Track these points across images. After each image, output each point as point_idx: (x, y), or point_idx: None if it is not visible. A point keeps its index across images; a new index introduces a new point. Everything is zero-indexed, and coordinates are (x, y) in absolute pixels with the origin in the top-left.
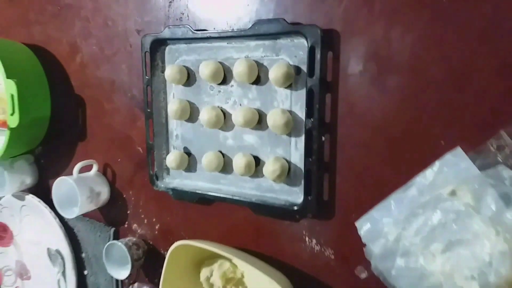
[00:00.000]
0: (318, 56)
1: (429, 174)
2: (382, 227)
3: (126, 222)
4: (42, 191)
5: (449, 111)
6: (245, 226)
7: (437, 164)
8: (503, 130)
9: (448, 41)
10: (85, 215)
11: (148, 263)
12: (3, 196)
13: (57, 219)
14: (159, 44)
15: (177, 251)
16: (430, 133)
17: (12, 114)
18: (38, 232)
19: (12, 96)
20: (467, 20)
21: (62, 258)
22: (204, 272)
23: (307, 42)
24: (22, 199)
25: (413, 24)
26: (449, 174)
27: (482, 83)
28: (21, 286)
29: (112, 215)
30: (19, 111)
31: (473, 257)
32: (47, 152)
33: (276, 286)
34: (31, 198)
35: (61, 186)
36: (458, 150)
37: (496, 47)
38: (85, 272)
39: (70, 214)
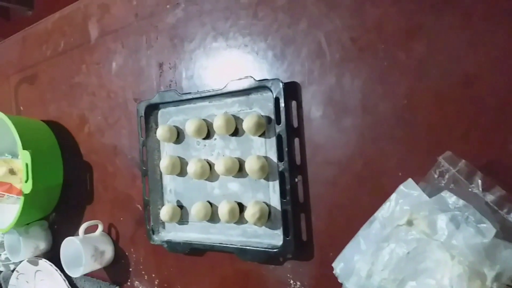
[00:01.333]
0: (282, 105)
1: (387, 206)
2: (354, 265)
3: (129, 280)
4: (55, 255)
5: (401, 144)
6: (234, 273)
7: (393, 197)
8: (440, 157)
9: (391, 80)
10: (91, 275)
11: None
12: (19, 262)
13: (67, 281)
14: (152, 109)
15: None
16: (388, 166)
17: (26, 181)
18: None
19: (26, 165)
20: (403, 60)
21: None
22: None
23: (272, 94)
24: (36, 264)
25: (359, 70)
26: (404, 205)
27: (423, 114)
28: None
29: (116, 273)
30: (33, 179)
31: (437, 284)
32: (60, 217)
33: None
34: (44, 263)
35: (68, 246)
36: (409, 181)
37: (431, 80)
38: None
39: (75, 273)
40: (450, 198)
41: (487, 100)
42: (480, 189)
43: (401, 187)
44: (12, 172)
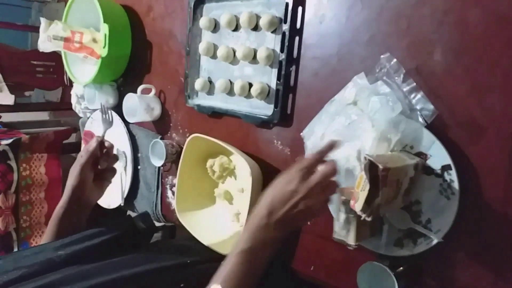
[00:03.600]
0: (290, 8)
1: (343, 91)
2: (315, 129)
3: (169, 132)
4: (119, 109)
5: (364, 47)
6: (239, 131)
7: (349, 84)
8: (382, 55)
9: None
10: (143, 125)
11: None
12: (93, 111)
13: (125, 128)
14: (199, 2)
15: (192, 142)
16: (354, 62)
17: (104, 47)
18: (112, 137)
19: (105, 35)
20: None
21: (125, 157)
22: (209, 162)
23: None
24: (106, 113)
25: None
26: (353, 90)
27: (381, 26)
28: None
29: (161, 126)
30: (109, 46)
31: (361, 145)
32: (125, 82)
33: (251, 173)
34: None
35: (128, 100)
36: (361, 74)
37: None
38: (139, 167)
39: (131, 119)
40: (381, 86)
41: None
42: (401, 81)
43: (355, 77)
44: (94, 40)
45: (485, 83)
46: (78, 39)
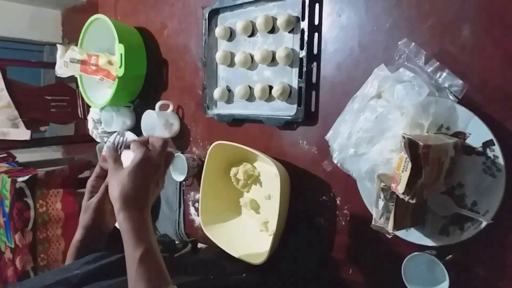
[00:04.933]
0: (307, 5)
1: (364, 86)
2: (339, 130)
3: (189, 147)
4: (137, 131)
5: (386, 35)
6: (261, 135)
7: (370, 78)
8: (399, 42)
9: None
10: None
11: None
12: (111, 134)
13: None
14: (214, 13)
15: (215, 150)
16: (377, 53)
17: (120, 67)
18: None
19: (121, 54)
20: None
21: None
22: (233, 170)
23: None
24: (123, 135)
25: None
26: (375, 83)
27: (402, 15)
28: None
29: (180, 142)
30: (125, 66)
31: (393, 136)
32: (141, 103)
33: (279, 175)
34: (129, 133)
35: (147, 117)
36: (381, 66)
37: None
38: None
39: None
40: (404, 72)
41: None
42: (423, 63)
43: (375, 70)
44: (110, 63)
45: None
46: (94, 61)
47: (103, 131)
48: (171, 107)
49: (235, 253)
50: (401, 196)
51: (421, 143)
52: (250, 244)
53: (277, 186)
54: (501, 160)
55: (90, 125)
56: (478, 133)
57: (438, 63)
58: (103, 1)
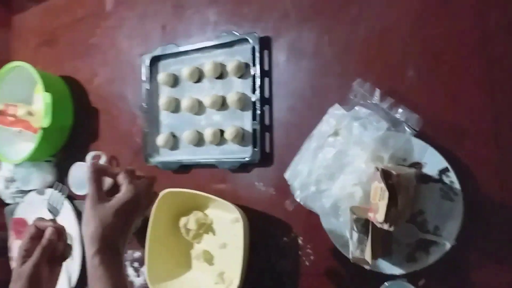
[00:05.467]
0: (257, 52)
1: (320, 125)
2: (299, 168)
3: None
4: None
5: (337, 78)
6: (213, 182)
7: (325, 117)
8: (354, 83)
9: (334, 34)
10: None
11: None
12: (25, 194)
13: (71, 205)
14: (155, 60)
15: (164, 198)
16: (329, 94)
17: (45, 117)
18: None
19: (47, 104)
20: (342, 20)
21: (71, 240)
22: (182, 220)
23: (251, 44)
24: (43, 193)
25: (313, 26)
26: (332, 122)
27: (351, 60)
28: None
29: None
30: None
31: (354, 171)
32: (66, 156)
33: (241, 221)
34: (52, 191)
35: (76, 170)
36: (336, 105)
37: (362, 33)
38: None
39: (81, 191)
40: (360, 110)
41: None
42: (378, 100)
43: (330, 109)
44: (30, 113)
45: (456, 89)
46: (13, 112)
47: (18, 190)
48: (103, 158)
49: None
50: (379, 225)
51: (394, 172)
52: None
53: (237, 232)
54: (457, 185)
55: (1, 184)
56: (433, 162)
57: (393, 99)
58: (18, 49)
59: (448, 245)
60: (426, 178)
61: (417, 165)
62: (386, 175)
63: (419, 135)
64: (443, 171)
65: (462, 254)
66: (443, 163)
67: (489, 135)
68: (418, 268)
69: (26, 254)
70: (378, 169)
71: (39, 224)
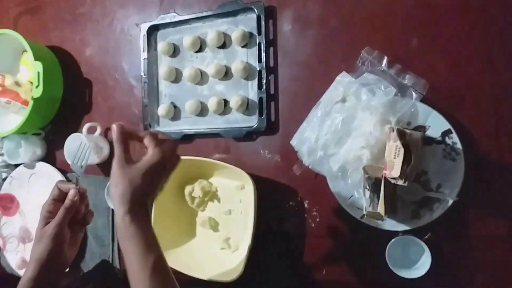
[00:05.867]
0: (262, 21)
1: (328, 92)
2: (305, 135)
3: None
4: (50, 161)
5: (344, 45)
6: (217, 151)
7: (332, 85)
8: (362, 50)
9: (338, 2)
10: (87, 171)
11: None
12: (11, 170)
13: (64, 178)
14: (153, 29)
15: None
16: (334, 62)
17: (37, 87)
18: (45, 194)
19: (38, 73)
20: None
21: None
22: (187, 189)
23: (256, 13)
24: (33, 167)
25: None
26: (339, 89)
27: (356, 26)
28: (23, 250)
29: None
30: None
31: (361, 134)
32: (56, 130)
33: (251, 185)
34: (42, 164)
35: (72, 141)
36: (343, 73)
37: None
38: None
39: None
40: (369, 76)
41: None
42: (386, 67)
43: (338, 77)
44: (17, 84)
45: (457, 56)
46: (0, 81)
47: (4, 164)
48: (99, 130)
49: (204, 276)
50: (393, 181)
51: (408, 131)
52: (216, 264)
53: (242, 198)
54: (459, 145)
55: None
56: (436, 124)
57: (400, 66)
58: None
59: (450, 201)
60: (429, 140)
61: (421, 128)
62: (401, 134)
63: (423, 100)
64: (446, 133)
65: (464, 209)
66: (446, 125)
67: (488, 99)
68: (422, 224)
69: (50, 215)
70: (393, 129)
71: (62, 186)
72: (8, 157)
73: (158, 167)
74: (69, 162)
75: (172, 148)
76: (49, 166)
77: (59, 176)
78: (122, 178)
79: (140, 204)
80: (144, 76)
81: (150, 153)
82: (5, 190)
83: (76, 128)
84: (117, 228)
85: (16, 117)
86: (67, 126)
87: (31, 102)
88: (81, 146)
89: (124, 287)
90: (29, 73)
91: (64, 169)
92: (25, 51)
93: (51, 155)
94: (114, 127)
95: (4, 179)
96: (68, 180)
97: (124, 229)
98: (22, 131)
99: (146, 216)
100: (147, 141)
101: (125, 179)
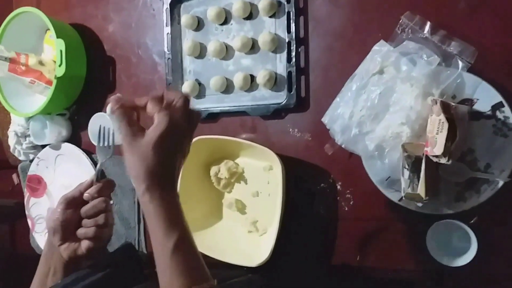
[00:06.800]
0: None
1: (363, 64)
2: (339, 112)
3: None
4: (75, 142)
5: (380, 12)
6: (243, 130)
7: (369, 55)
8: (402, 16)
9: None
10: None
11: None
12: (38, 152)
13: (89, 160)
14: (175, 3)
15: (194, 147)
16: (371, 30)
17: (60, 65)
18: (72, 176)
19: (61, 51)
20: None
21: None
22: (213, 169)
23: None
24: (58, 148)
25: None
26: (377, 59)
27: None
28: None
29: None
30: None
31: (401, 109)
32: (80, 110)
33: (280, 166)
34: (68, 145)
35: (96, 121)
36: (381, 41)
37: None
38: (111, 202)
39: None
40: (409, 44)
41: None
42: (429, 34)
43: (375, 46)
44: (41, 63)
45: (509, 20)
46: (24, 61)
47: (30, 146)
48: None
49: (230, 260)
50: (436, 159)
51: (453, 104)
52: (242, 247)
53: (270, 179)
54: (511, 120)
55: (12, 140)
56: (486, 97)
57: (445, 32)
58: None
59: (500, 183)
60: (477, 115)
61: (468, 101)
62: (445, 107)
63: (471, 69)
64: (497, 106)
65: None
66: (497, 97)
67: None
68: (467, 207)
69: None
70: (436, 102)
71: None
72: (34, 138)
73: (169, 135)
74: (94, 143)
75: (181, 107)
76: (74, 147)
77: (84, 158)
78: (131, 156)
79: (159, 180)
80: (168, 52)
81: (155, 123)
82: (32, 171)
83: (101, 108)
84: (141, 207)
85: (41, 98)
86: (91, 106)
87: (54, 81)
88: (101, 127)
89: (148, 271)
90: (53, 52)
91: (90, 150)
92: (49, 29)
93: (77, 136)
94: (109, 103)
95: (31, 161)
96: (94, 161)
97: (145, 208)
98: (47, 112)
99: (168, 193)
100: (149, 108)
101: (135, 157)
